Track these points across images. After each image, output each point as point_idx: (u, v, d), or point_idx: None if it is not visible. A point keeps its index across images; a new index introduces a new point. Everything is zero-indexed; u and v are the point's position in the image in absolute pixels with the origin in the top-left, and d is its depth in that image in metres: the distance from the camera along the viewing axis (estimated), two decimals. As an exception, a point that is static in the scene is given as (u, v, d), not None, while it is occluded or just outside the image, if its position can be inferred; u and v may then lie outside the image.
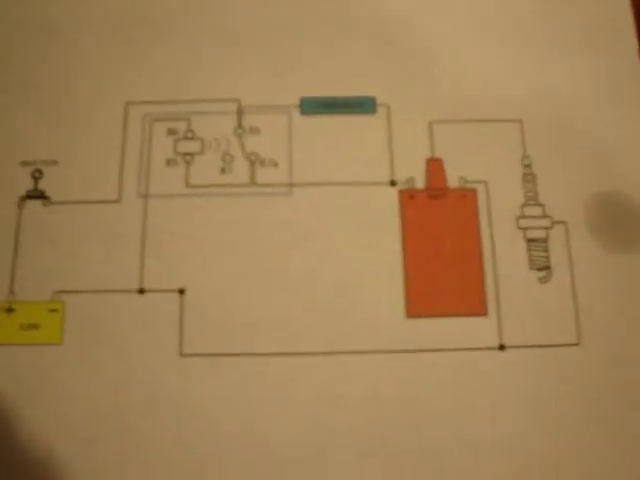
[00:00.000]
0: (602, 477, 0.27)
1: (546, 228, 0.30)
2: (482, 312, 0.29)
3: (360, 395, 0.27)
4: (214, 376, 0.28)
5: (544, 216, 0.30)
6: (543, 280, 0.29)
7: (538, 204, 0.30)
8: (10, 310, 0.28)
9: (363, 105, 0.31)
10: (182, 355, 0.28)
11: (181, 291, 0.29)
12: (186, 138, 0.31)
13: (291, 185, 0.30)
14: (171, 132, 0.31)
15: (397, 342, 0.28)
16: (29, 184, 0.30)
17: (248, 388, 0.28)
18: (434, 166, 0.30)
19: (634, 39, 0.33)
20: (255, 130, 0.31)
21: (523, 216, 0.30)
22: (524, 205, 0.30)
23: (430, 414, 0.27)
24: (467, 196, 0.30)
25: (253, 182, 0.30)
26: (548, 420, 0.27)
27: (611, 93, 0.32)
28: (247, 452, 0.27)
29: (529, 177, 0.30)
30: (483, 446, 0.27)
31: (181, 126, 0.31)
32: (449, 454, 0.27)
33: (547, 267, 0.29)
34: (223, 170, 0.30)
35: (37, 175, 0.30)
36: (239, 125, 0.31)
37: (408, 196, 0.30)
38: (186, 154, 0.31)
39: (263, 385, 0.28)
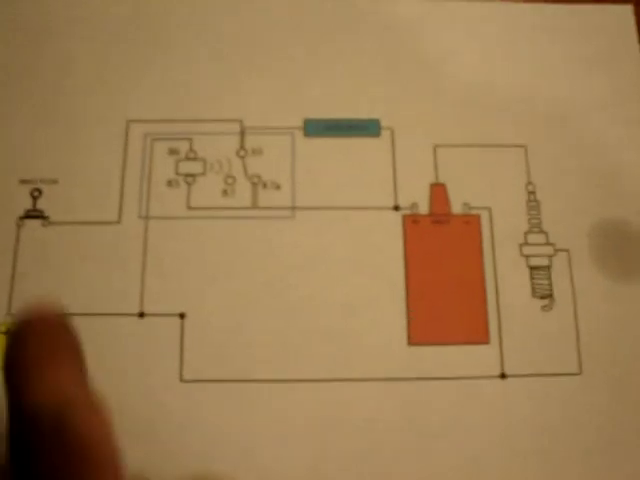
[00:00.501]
0: (602, 508, 0.27)
1: (549, 256, 0.29)
2: (484, 340, 0.28)
3: (361, 423, 0.27)
4: (215, 402, 0.27)
5: (547, 244, 0.30)
6: (546, 308, 0.29)
7: (542, 231, 0.30)
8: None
9: (367, 128, 0.31)
10: (183, 381, 0.28)
11: (182, 315, 0.28)
12: (188, 159, 0.30)
13: (294, 208, 0.30)
14: (172, 152, 0.30)
15: (398, 370, 0.28)
16: (28, 203, 0.30)
17: (250, 415, 0.27)
18: (438, 191, 0.30)
19: (640, 63, 0.32)
20: (258, 152, 0.31)
21: (526, 243, 0.30)
22: (528, 232, 0.30)
23: (431, 443, 0.27)
24: (470, 222, 0.30)
25: (255, 205, 0.30)
26: (549, 450, 0.27)
27: (619, 119, 0.31)
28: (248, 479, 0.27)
29: (533, 204, 0.30)
30: (484, 476, 0.27)
31: (183, 146, 0.31)
32: (449, 483, 0.27)
33: (550, 295, 0.29)
34: (225, 192, 0.30)
35: (36, 194, 0.30)
36: (242, 146, 0.31)
37: (411, 221, 0.30)
38: (187, 175, 0.30)
39: (265, 412, 0.27)
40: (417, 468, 0.27)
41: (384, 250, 0.29)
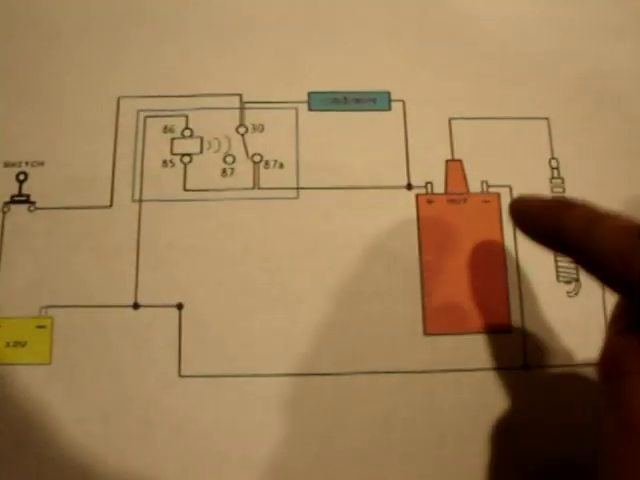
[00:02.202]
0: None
1: (576, 243, 0.27)
2: (505, 329, 0.27)
3: (373, 419, 0.26)
4: (216, 399, 0.26)
5: (574, 230, 0.27)
6: (571, 294, 0.27)
7: (567, 210, 0.28)
8: (-6, 327, 0.26)
9: (377, 101, 0.29)
10: (181, 376, 0.26)
11: (179, 306, 0.26)
12: (184, 137, 0.28)
13: (298, 189, 0.28)
14: (167, 130, 0.28)
15: (414, 362, 0.26)
16: (13, 187, 0.28)
17: (252, 412, 0.26)
18: (454, 168, 0.28)
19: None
20: (259, 128, 0.28)
21: (550, 225, 0.27)
22: (551, 211, 0.28)
23: (450, 438, 0.25)
24: (490, 201, 0.28)
25: (257, 185, 0.28)
26: (577, 446, 0.25)
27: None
28: (251, 478, 0.25)
29: (557, 180, 0.28)
30: (506, 470, 0.25)
31: (178, 123, 0.29)
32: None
33: (576, 280, 0.27)
34: (224, 172, 0.28)
35: (22, 178, 0.28)
36: (241, 123, 0.29)
37: (426, 201, 0.28)
38: (184, 155, 0.28)
39: (268, 409, 0.26)
40: (435, 465, 0.25)
41: (396, 232, 0.27)
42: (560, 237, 0.19)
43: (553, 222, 0.19)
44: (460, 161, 0.28)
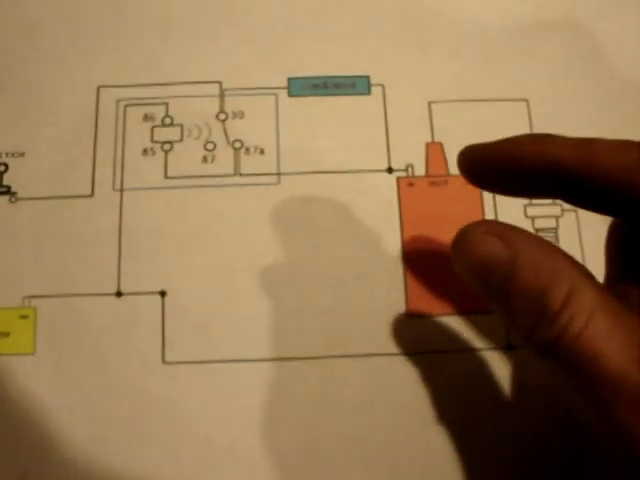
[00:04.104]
0: None
1: (556, 217, 0.27)
2: (488, 309, 0.26)
3: (358, 402, 0.26)
4: (200, 385, 0.26)
5: (554, 203, 0.28)
6: (553, 273, 0.27)
7: (547, 190, 0.28)
8: (-24, 318, 0.26)
9: (356, 85, 0.29)
10: (165, 363, 0.26)
11: (162, 293, 0.26)
12: (164, 125, 0.28)
13: (279, 174, 0.28)
14: (147, 118, 0.28)
15: (397, 344, 0.26)
16: (-7, 179, 0.28)
17: (237, 397, 0.26)
18: (434, 151, 0.28)
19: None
20: (239, 114, 0.28)
21: (531, 204, 0.28)
22: (532, 192, 0.28)
23: (434, 420, 0.25)
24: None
25: (238, 172, 0.28)
26: (562, 426, 0.25)
27: (626, 65, 0.29)
28: (238, 464, 0.25)
29: (537, 161, 0.28)
30: (491, 451, 0.25)
31: (158, 111, 0.28)
32: (456, 462, 0.25)
33: (558, 258, 0.27)
34: (205, 159, 0.28)
35: (2, 169, 0.28)
36: (221, 109, 0.29)
37: (407, 184, 0.28)
38: (164, 142, 0.28)
39: (253, 393, 0.26)
40: (420, 447, 0.25)
41: (378, 216, 0.27)
42: (551, 165, 0.17)
43: (539, 152, 0.17)
44: (440, 143, 0.28)
